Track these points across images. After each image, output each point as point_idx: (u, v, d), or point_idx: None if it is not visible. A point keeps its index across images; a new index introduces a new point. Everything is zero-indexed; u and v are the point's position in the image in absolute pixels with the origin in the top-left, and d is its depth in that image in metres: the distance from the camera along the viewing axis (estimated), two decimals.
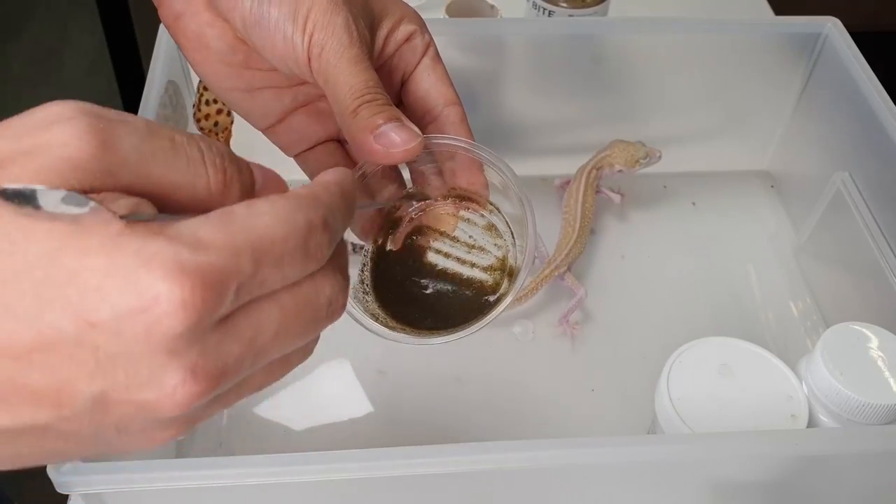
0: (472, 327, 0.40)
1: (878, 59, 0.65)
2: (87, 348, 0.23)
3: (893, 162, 0.56)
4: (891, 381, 0.45)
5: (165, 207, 0.26)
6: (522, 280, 0.41)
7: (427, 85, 0.42)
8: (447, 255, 0.44)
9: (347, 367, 0.59)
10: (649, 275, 0.66)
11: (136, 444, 0.26)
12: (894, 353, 0.46)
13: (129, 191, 0.25)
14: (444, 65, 0.43)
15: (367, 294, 0.42)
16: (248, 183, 0.28)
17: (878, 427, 0.45)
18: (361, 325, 0.40)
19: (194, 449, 0.54)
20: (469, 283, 0.43)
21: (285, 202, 0.27)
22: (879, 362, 0.46)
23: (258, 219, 0.26)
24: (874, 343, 0.47)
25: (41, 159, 0.24)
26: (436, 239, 0.44)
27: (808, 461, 0.45)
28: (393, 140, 0.37)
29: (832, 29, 0.63)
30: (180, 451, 0.54)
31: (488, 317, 0.40)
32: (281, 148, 0.45)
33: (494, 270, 0.43)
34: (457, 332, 0.40)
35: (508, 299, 0.41)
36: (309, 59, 0.38)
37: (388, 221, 0.44)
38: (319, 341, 0.55)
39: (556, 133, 0.70)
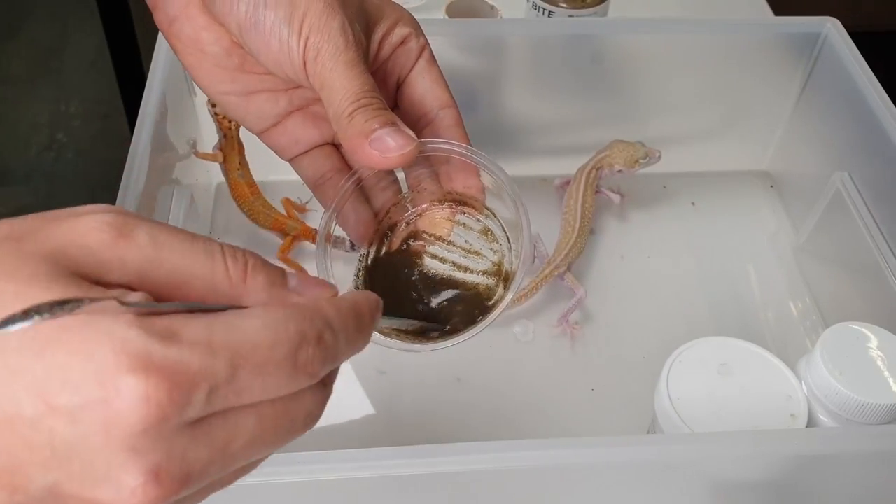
0: (469, 332, 0.40)
1: (877, 60, 0.65)
2: (43, 433, 0.22)
3: (893, 162, 0.56)
4: (890, 380, 0.45)
5: (184, 299, 0.26)
6: (518, 284, 0.41)
7: (422, 88, 0.42)
8: (443, 260, 0.44)
9: (347, 367, 0.59)
10: (649, 275, 0.66)
11: None
12: (893, 352, 0.46)
13: (142, 278, 0.25)
14: (439, 67, 0.43)
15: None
16: (277, 279, 0.28)
17: (878, 427, 0.45)
18: None
19: None
20: (466, 287, 0.43)
21: (282, 310, 0.26)
22: (879, 362, 0.46)
23: (246, 322, 0.25)
24: (873, 343, 0.47)
25: (60, 242, 0.24)
26: (431, 243, 0.44)
27: (808, 461, 0.45)
28: (388, 145, 0.37)
29: (831, 29, 0.63)
30: None
31: (485, 321, 0.41)
32: (276, 151, 0.45)
33: (491, 275, 0.43)
34: (453, 337, 0.40)
35: (504, 304, 0.41)
36: (304, 63, 0.38)
37: (383, 226, 0.44)
38: None
39: (556, 133, 0.70)
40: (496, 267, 0.43)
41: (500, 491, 0.45)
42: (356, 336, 0.28)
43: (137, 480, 0.23)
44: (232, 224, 0.67)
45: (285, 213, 0.64)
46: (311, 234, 0.64)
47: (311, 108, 0.44)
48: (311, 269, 0.63)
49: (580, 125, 0.70)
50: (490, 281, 0.43)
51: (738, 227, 0.70)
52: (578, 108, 0.70)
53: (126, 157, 0.53)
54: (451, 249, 0.44)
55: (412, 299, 0.42)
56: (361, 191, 0.43)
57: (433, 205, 0.44)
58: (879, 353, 0.46)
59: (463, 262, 0.44)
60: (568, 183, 0.68)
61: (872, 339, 0.47)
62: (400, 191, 0.44)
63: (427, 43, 0.43)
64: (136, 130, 0.55)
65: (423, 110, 0.42)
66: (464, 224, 0.44)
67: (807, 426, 0.46)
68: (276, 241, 0.64)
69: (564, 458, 0.41)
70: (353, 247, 0.47)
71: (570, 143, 0.71)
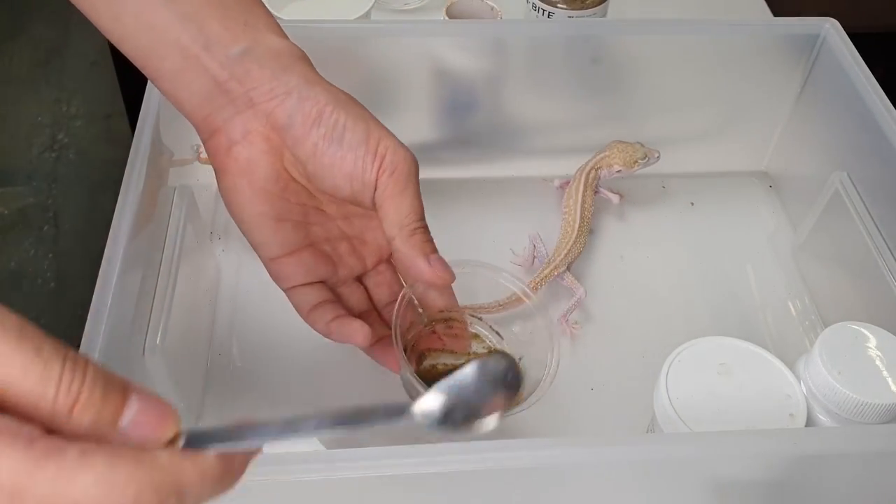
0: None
1: (876, 60, 0.65)
2: None
3: (891, 162, 0.56)
4: (888, 380, 0.45)
5: (9, 409, 0.24)
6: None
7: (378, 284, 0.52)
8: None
9: (350, 366, 0.59)
10: (648, 274, 0.66)
11: None
12: (892, 352, 0.47)
13: None
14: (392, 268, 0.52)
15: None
16: (106, 418, 0.25)
17: (876, 426, 0.45)
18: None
19: None
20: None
21: (129, 465, 0.24)
22: (877, 361, 0.46)
23: (79, 474, 0.23)
24: (872, 342, 0.47)
25: None
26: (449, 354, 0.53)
27: (806, 460, 0.46)
28: (440, 270, 0.47)
29: (830, 30, 0.64)
30: None
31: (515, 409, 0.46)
32: (278, 278, 0.50)
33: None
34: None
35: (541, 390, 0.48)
36: (377, 178, 0.45)
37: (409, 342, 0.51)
38: (325, 340, 0.55)
39: (556, 134, 0.70)
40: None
41: (499, 490, 0.46)
42: (220, 489, 0.27)
43: None
44: (232, 224, 0.67)
45: None
46: None
47: (321, 246, 0.50)
48: None
49: (579, 126, 0.70)
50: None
51: (737, 227, 0.70)
52: (578, 109, 0.70)
53: (127, 157, 0.53)
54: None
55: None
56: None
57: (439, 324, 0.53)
58: (878, 353, 0.47)
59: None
60: (567, 183, 0.68)
61: (871, 338, 0.47)
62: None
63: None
64: (137, 131, 0.55)
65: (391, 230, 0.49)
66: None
67: (805, 425, 0.46)
68: None
69: (564, 457, 0.41)
70: None
71: (569, 144, 0.71)
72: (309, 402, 0.57)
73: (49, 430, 0.24)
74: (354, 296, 0.52)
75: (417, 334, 0.54)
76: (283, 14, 0.76)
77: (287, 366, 0.59)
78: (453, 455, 0.41)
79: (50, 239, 1.32)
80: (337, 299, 0.51)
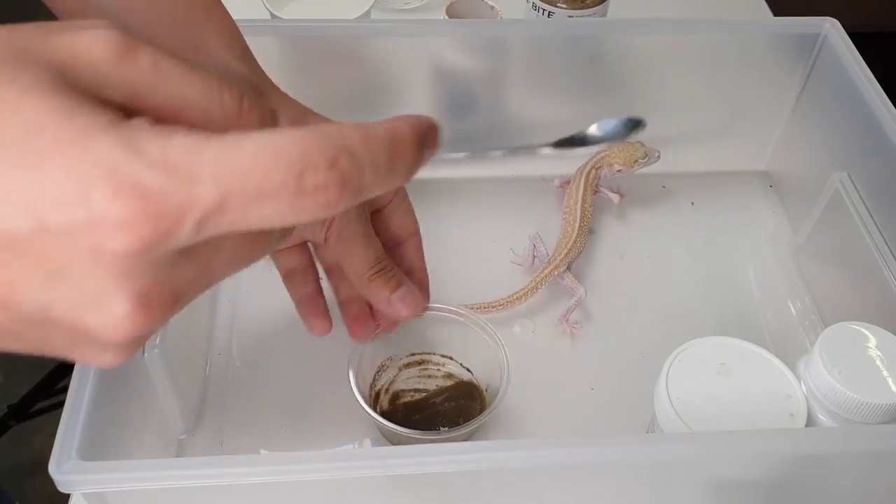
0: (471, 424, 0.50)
1: (876, 60, 0.65)
2: (37, 252, 0.22)
3: (891, 162, 0.56)
4: (889, 380, 0.45)
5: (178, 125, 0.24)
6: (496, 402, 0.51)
7: (396, 220, 0.51)
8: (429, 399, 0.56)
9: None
10: (648, 274, 0.66)
11: (83, 360, 0.25)
12: (892, 352, 0.47)
13: (140, 100, 0.24)
14: (409, 200, 0.51)
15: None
16: (269, 119, 0.26)
17: (877, 426, 0.45)
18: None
19: (196, 448, 0.54)
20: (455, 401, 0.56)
21: (287, 132, 0.24)
22: (878, 361, 0.46)
23: (242, 147, 0.23)
24: (872, 342, 0.47)
25: (63, 54, 0.23)
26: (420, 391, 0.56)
27: (807, 460, 0.46)
28: (401, 309, 0.49)
29: (830, 29, 0.63)
30: (182, 451, 0.54)
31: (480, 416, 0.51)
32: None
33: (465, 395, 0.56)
34: (459, 428, 0.50)
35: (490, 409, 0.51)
36: (326, 239, 0.46)
37: (374, 391, 0.56)
38: (323, 339, 0.55)
39: (556, 133, 0.70)
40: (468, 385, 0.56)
41: (499, 490, 0.46)
42: (390, 163, 0.25)
43: (126, 308, 0.23)
44: None
45: None
46: None
47: None
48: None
49: (580, 125, 0.70)
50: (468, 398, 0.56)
51: (738, 226, 0.70)
52: (578, 109, 0.70)
53: None
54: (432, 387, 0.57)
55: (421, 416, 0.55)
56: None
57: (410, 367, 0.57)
58: (878, 353, 0.46)
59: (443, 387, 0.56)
60: (568, 183, 0.68)
61: (871, 338, 0.47)
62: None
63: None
64: None
65: (395, 236, 0.51)
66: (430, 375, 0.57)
67: (806, 425, 0.46)
68: None
69: (564, 457, 0.41)
70: None
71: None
72: (310, 401, 0.57)
73: None
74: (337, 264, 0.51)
75: (391, 379, 0.57)
76: (283, 13, 0.76)
77: (287, 366, 0.59)
78: (453, 455, 0.41)
79: None
80: (312, 262, 0.52)
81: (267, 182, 0.23)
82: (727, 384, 0.47)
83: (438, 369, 0.57)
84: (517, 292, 0.61)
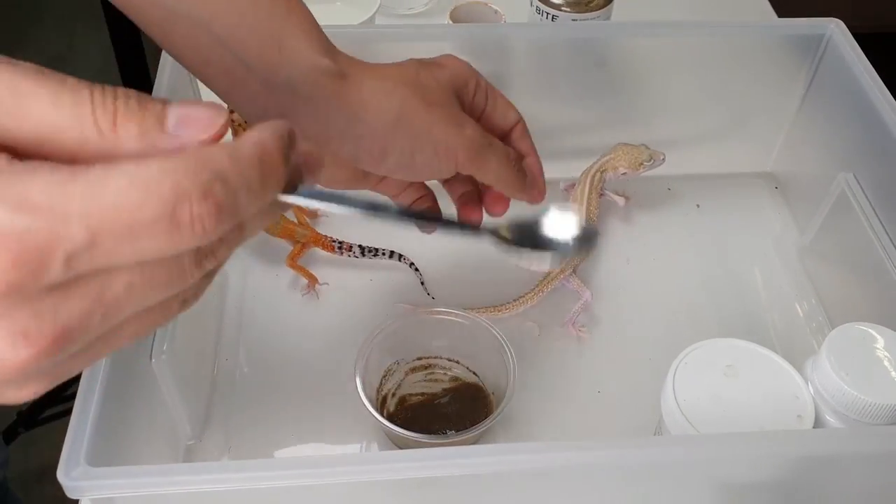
0: (476, 428, 0.51)
1: (881, 60, 0.65)
2: None
3: None
4: None
5: (51, 154, 0.24)
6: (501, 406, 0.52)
7: (499, 116, 0.52)
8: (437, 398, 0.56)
9: (353, 370, 0.59)
10: (654, 277, 0.66)
11: None
12: None
13: (2, 134, 0.23)
14: (498, 90, 0.52)
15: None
16: (151, 124, 0.25)
17: (884, 427, 0.45)
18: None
19: (203, 453, 0.54)
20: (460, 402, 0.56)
21: (157, 163, 0.23)
22: (885, 362, 0.46)
23: (110, 181, 0.23)
24: (880, 343, 0.47)
25: None
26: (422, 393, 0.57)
27: (815, 461, 0.45)
28: (544, 187, 0.52)
29: (835, 30, 0.63)
30: (189, 456, 0.54)
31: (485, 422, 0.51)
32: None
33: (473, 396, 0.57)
34: (464, 432, 0.51)
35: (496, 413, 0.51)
36: (459, 169, 0.47)
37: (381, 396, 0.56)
38: (328, 344, 0.55)
39: (561, 137, 0.70)
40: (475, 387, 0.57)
41: (507, 493, 0.46)
42: (262, 180, 0.25)
43: (5, 342, 0.23)
44: None
45: (296, 220, 0.65)
46: (320, 241, 0.64)
47: None
48: (321, 274, 0.63)
49: (584, 128, 0.70)
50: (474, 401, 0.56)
51: (743, 228, 0.70)
52: (582, 112, 0.70)
53: None
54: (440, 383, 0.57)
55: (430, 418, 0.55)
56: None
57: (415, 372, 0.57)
58: (886, 354, 0.46)
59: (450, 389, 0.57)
60: (573, 186, 0.68)
61: (879, 339, 0.47)
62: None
63: (486, 80, 0.51)
64: None
65: (503, 127, 0.52)
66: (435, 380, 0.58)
67: (813, 427, 0.46)
68: (287, 247, 0.64)
69: (571, 460, 0.41)
70: (362, 252, 0.63)
71: (574, 147, 0.71)
72: (317, 406, 0.57)
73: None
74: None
75: (398, 383, 0.57)
76: None
77: (294, 370, 0.59)
78: (463, 458, 0.41)
79: None
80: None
81: (139, 216, 0.23)
82: (734, 386, 0.47)
83: (445, 373, 0.57)
84: (523, 295, 0.61)
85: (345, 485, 0.41)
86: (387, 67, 0.47)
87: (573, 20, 0.71)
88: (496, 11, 0.76)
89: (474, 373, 0.57)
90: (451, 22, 0.75)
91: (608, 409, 0.57)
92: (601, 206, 0.67)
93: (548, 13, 0.71)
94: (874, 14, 1.74)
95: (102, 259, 0.23)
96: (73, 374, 0.26)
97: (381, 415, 0.52)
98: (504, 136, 0.52)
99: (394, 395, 0.56)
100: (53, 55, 1.92)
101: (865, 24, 0.97)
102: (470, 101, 0.50)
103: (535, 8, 0.72)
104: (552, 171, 0.71)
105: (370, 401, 0.51)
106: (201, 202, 0.23)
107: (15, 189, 0.22)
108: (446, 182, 0.53)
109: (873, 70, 0.60)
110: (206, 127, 0.25)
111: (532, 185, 0.51)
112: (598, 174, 0.67)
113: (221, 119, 0.26)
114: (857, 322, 0.48)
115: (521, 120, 0.52)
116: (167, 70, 0.58)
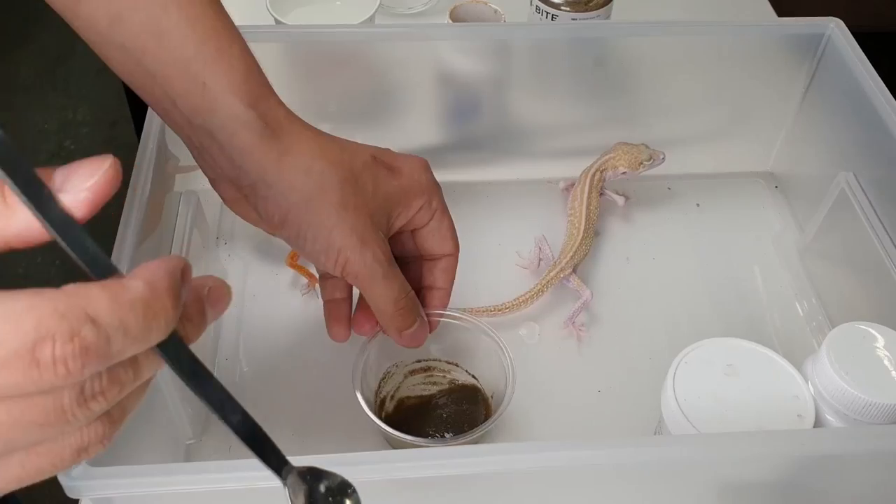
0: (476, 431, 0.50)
1: (881, 59, 0.65)
2: None
3: None
4: None
5: None
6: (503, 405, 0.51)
7: (432, 243, 0.51)
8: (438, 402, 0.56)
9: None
10: (654, 276, 0.66)
11: None
12: None
13: None
14: (449, 217, 0.51)
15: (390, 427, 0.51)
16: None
17: (885, 426, 0.45)
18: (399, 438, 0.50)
19: (204, 453, 0.54)
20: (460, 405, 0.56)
21: (27, 297, 0.23)
22: (885, 361, 0.46)
23: None
24: (880, 342, 0.47)
25: None
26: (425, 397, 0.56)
27: (815, 461, 0.45)
28: (405, 342, 0.50)
29: (835, 29, 0.63)
30: (190, 456, 0.54)
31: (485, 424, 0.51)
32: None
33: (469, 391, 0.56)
34: (465, 435, 0.51)
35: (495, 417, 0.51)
36: (343, 278, 0.47)
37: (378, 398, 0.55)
38: (328, 344, 0.55)
39: (560, 136, 0.70)
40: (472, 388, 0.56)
41: (507, 493, 0.46)
42: (145, 323, 0.24)
43: None
44: (238, 229, 0.67)
45: None
46: None
47: None
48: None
49: (584, 128, 0.70)
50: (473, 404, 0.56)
51: (744, 228, 0.70)
52: (582, 111, 0.70)
53: (133, 163, 0.53)
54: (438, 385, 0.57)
55: (429, 424, 0.55)
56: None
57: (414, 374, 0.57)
58: (886, 353, 0.46)
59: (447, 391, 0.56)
60: (573, 185, 0.68)
61: (879, 338, 0.47)
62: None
63: (442, 201, 0.51)
64: (142, 137, 0.56)
65: (430, 253, 0.52)
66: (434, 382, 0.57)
67: (814, 426, 0.46)
68: (287, 247, 0.64)
69: (571, 459, 0.41)
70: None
71: (574, 146, 0.71)
72: (316, 406, 0.57)
73: None
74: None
75: (396, 385, 0.57)
76: (288, 19, 0.77)
77: (294, 370, 0.59)
78: (461, 458, 0.41)
79: (56, 245, 1.32)
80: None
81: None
82: (734, 385, 0.47)
83: (444, 376, 0.57)
84: (523, 295, 0.61)
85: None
86: (329, 144, 0.46)
87: (573, 19, 0.71)
88: (496, 11, 0.76)
89: (473, 376, 0.57)
90: (450, 21, 0.75)
91: (608, 409, 0.57)
92: (601, 205, 0.67)
93: (547, 12, 0.71)
94: (874, 13, 1.74)
95: None
96: None
97: (380, 417, 0.52)
98: (431, 261, 0.52)
99: (392, 397, 0.56)
100: (53, 56, 1.92)
101: (865, 23, 0.97)
102: (410, 214, 0.49)
103: (534, 7, 0.72)
104: (551, 170, 0.71)
105: (368, 404, 0.51)
106: (65, 343, 0.23)
107: None
108: (326, 278, 0.52)
109: (873, 69, 0.60)
110: (89, 174, 0.25)
111: (413, 327, 0.50)
112: (598, 173, 0.67)
113: (105, 164, 0.25)
114: (858, 321, 0.48)
115: (455, 254, 0.52)
116: None
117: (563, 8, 0.70)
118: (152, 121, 0.56)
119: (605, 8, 0.71)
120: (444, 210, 0.51)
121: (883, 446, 0.43)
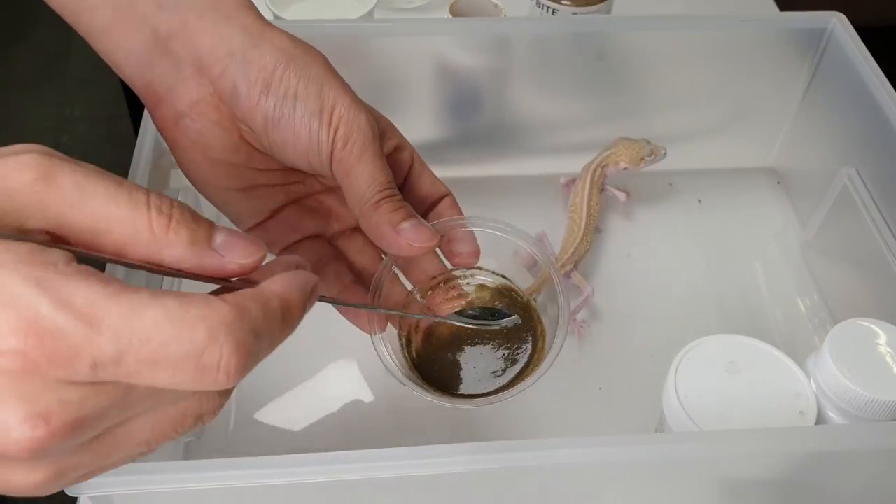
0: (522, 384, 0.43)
1: (883, 54, 0.65)
2: None
3: None
4: None
5: (103, 245, 0.26)
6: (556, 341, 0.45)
7: (425, 186, 0.45)
8: (468, 335, 0.46)
9: (354, 368, 0.59)
10: (656, 272, 0.66)
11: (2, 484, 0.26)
12: None
13: (61, 224, 0.26)
14: (428, 166, 0.46)
15: (413, 372, 0.44)
16: (201, 237, 0.28)
17: (887, 423, 0.45)
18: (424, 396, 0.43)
19: (202, 451, 0.54)
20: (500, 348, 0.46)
21: (198, 306, 0.25)
22: (888, 358, 0.46)
23: (148, 310, 0.24)
24: (882, 339, 0.47)
25: None
26: (453, 328, 0.46)
27: (817, 458, 0.45)
28: (414, 237, 0.40)
29: (837, 24, 0.63)
30: (188, 454, 0.54)
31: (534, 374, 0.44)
32: (268, 242, 0.45)
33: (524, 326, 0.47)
34: (507, 391, 0.43)
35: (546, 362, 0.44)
36: (332, 152, 0.40)
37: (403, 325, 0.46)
38: (328, 341, 0.55)
39: (561, 131, 0.69)
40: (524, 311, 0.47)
41: (507, 491, 0.45)
42: (281, 334, 0.28)
43: (18, 419, 0.24)
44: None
45: None
46: None
47: (305, 202, 0.46)
48: None
49: (585, 123, 0.70)
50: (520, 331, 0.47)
51: (745, 223, 0.69)
52: (583, 106, 0.70)
53: (131, 159, 0.53)
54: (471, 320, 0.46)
55: (461, 369, 0.45)
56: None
57: (437, 294, 0.46)
58: (888, 350, 0.46)
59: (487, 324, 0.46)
60: (573, 181, 0.68)
61: (881, 335, 0.47)
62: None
63: (414, 150, 0.46)
64: (140, 133, 0.55)
65: (432, 196, 0.46)
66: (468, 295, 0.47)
67: (816, 423, 0.45)
68: None
69: (572, 456, 0.41)
70: None
71: (575, 141, 0.70)
72: (315, 400, 0.57)
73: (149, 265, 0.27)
74: (365, 252, 0.46)
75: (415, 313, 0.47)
76: (287, 14, 0.76)
77: (294, 367, 0.59)
78: (462, 455, 0.41)
79: None
80: (341, 255, 0.46)
81: (166, 351, 0.24)
82: (736, 382, 0.47)
83: (468, 283, 0.48)
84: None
85: (344, 483, 0.41)
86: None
87: (574, 14, 0.70)
88: (496, 5, 0.75)
89: (503, 276, 0.47)
90: (450, 16, 0.74)
91: (609, 406, 0.57)
92: (602, 201, 0.67)
93: (548, 7, 0.70)
94: (876, 7, 1.74)
95: (123, 377, 0.25)
96: (78, 475, 0.27)
97: (409, 356, 0.44)
98: (430, 207, 0.45)
99: (417, 328, 0.46)
100: (51, 52, 1.91)
101: (868, 17, 0.97)
102: (393, 144, 0.44)
103: (535, 2, 0.71)
104: (553, 166, 0.71)
105: (394, 349, 0.43)
106: (232, 354, 0.25)
107: (65, 289, 0.24)
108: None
109: (875, 64, 0.60)
110: (246, 254, 0.28)
111: (409, 220, 0.40)
112: (599, 169, 0.66)
113: (260, 252, 0.29)
114: (860, 318, 0.48)
115: (451, 194, 0.46)
116: None
117: (563, 2, 0.70)
118: (150, 117, 0.56)
119: (605, 2, 0.71)
120: (421, 158, 0.46)
121: (885, 443, 0.43)
